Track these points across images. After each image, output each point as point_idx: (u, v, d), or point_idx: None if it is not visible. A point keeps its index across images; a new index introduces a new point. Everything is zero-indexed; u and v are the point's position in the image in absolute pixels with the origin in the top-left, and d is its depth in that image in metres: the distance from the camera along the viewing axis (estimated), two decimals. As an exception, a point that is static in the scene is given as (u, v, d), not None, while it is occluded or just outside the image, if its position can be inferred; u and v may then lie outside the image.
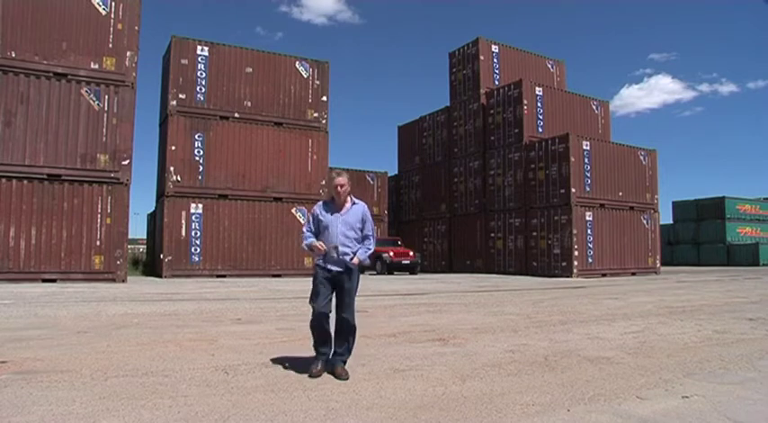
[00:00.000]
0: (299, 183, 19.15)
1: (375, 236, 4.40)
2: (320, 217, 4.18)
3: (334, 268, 4.07)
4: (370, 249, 4.25)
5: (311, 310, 4.08)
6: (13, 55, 13.76)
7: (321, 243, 4.06)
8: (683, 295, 11.94)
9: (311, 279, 4.22)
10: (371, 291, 12.51)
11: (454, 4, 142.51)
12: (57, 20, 14.35)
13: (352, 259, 4.10)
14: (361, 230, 4.23)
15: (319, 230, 4.19)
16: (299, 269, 18.33)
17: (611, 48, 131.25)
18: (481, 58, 25.16)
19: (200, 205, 17.71)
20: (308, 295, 4.20)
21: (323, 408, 3.25)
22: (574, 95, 25.07)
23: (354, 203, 4.24)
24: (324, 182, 19.02)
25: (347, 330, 4.12)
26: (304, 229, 4.31)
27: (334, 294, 4.16)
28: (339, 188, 4.14)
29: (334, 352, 4.13)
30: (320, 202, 4.34)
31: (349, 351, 4.17)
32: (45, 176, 13.73)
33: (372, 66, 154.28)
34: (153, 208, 21.15)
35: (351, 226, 4.14)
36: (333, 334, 4.14)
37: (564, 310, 8.83)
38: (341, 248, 4.06)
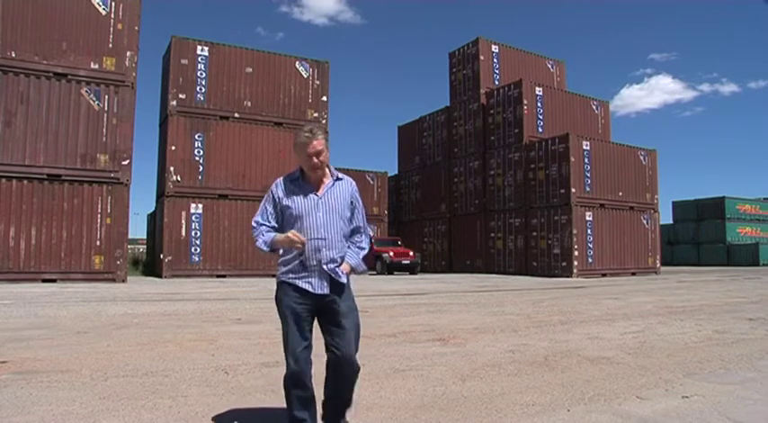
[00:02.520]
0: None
1: (369, 228, 2.92)
2: (285, 202, 2.64)
3: (317, 290, 2.56)
4: (363, 249, 2.75)
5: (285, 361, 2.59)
6: (13, 55, 13.76)
7: (294, 233, 2.52)
8: (683, 295, 11.93)
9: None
10: (371, 291, 12.50)
11: (454, 4, 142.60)
12: (57, 20, 14.35)
13: (339, 267, 2.61)
14: (350, 220, 2.74)
15: (284, 222, 2.66)
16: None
17: (611, 48, 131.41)
18: (481, 58, 25.16)
19: (200, 205, 17.72)
20: None
21: (321, 407, 3.24)
22: (574, 95, 25.07)
23: (338, 179, 2.73)
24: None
25: (346, 376, 2.61)
26: (254, 222, 2.71)
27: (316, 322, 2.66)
28: (314, 156, 2.59)
29: (327, 415, 2.69)
30: (280, 179, 2.75)
31: (344, 413, 2.70)
32: (45, 176, 13.73)
33: (372, 66, 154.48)
34: (153, 208, 21.18)
35: (337, 213, 2.64)
36: (324, 383, 2.68)
37: (564, 310, 8.83)
38: (324, 253, 2.57)
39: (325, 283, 2.57)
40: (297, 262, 2.57)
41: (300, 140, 2.60)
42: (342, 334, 2.57)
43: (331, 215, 2.63)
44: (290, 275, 2.59)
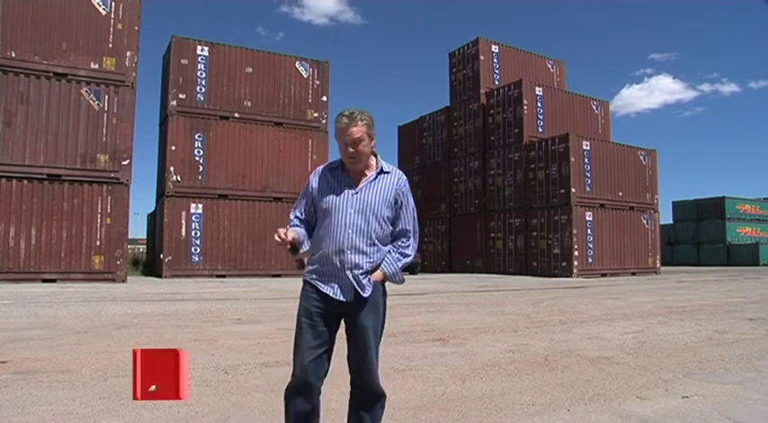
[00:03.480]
0: (299, 183, 19.08)
1: (417, 233, 2.44)
2: (318, 194, 2.34)
3: (338, 296, 2.23)
4: (408, 256, 2.37)
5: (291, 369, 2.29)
6: (13, 55, 13.75)
7: (288, 231, 2.23)
8: (683, 295, 11.93)
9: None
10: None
11: (454, 4, 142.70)
12: (57, 20, 14.35)
13: (367, 276, 2.26)
14: (392, 221, 2.35)
15: (316, 216, 2.38)
16: (299, 269, 18.33)
17: (611, 48, 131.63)
18: (481, 58, 25.16)
19: (200, 205, 17.71)
20: None
21: (322, 408, 3.24)
22: (574, 95, 25.08)
23: (383, 172, 2.36)
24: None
25: (370, 402, 2.32)
26: (291, 216, 2.46)
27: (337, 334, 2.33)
28: (351, 146, 2.24)
29: None
30: (320, 168, 2.42)
31: None
32: (45, 176, 13.73)
33: (372, 66, 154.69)
34: (153, 208, 21.17)
35: (372, 212, 2.27)
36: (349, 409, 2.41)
37: (564, 310, 8.83)
38: (348, 256, 2.22)
39: (348, 291, 2.23)
40: (321, 262, 2.28)
41: (337, 126, 2.25)
42: (365, 353, 2.25)
43: (364, 213, 2.25)
44: (314, 276, 2.29)
